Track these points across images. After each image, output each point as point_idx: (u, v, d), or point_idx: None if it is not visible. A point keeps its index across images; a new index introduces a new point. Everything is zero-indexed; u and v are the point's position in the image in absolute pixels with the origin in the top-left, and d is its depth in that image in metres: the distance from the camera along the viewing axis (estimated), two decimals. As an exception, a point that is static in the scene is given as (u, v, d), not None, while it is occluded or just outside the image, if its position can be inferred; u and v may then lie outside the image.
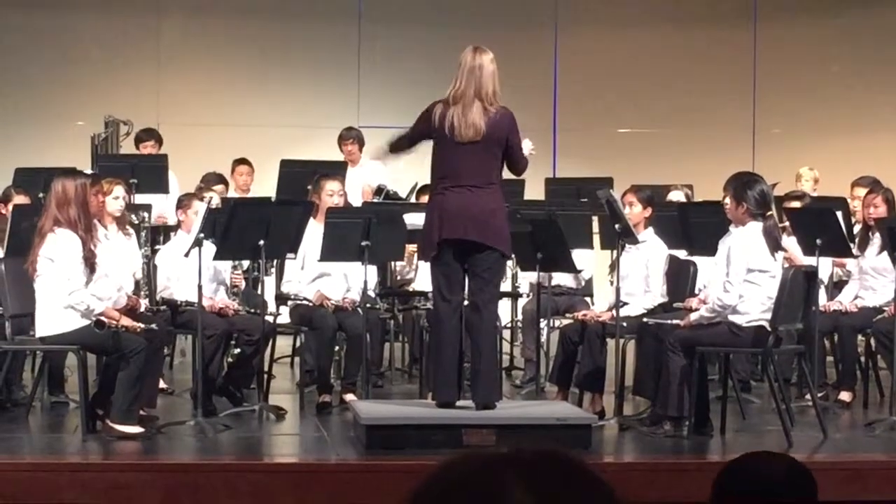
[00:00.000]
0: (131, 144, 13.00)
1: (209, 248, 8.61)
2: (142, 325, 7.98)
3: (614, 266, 9.02)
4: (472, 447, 7.10)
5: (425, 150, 7.98)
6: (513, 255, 9.57)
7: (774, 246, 7.98)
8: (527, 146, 7.88)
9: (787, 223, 9.62)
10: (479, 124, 7.55)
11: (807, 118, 15.69)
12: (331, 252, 9.07)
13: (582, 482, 1.55)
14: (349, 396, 9.05)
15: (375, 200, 11.41)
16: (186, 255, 8.52)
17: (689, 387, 7.94)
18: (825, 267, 9.75)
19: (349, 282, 9.51)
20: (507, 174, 7.94)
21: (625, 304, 8.78)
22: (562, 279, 10.21)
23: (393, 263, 10.73)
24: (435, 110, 7.67)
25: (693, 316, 8.12)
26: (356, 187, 11.88)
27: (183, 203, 9.56)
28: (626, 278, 8.83)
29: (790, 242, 9.36)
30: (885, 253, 9.14)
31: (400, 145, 8.01)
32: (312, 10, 15.67)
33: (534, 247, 9.17)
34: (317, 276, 9.48)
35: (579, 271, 10.02)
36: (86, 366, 7.99)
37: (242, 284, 9.96)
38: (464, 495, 1.52)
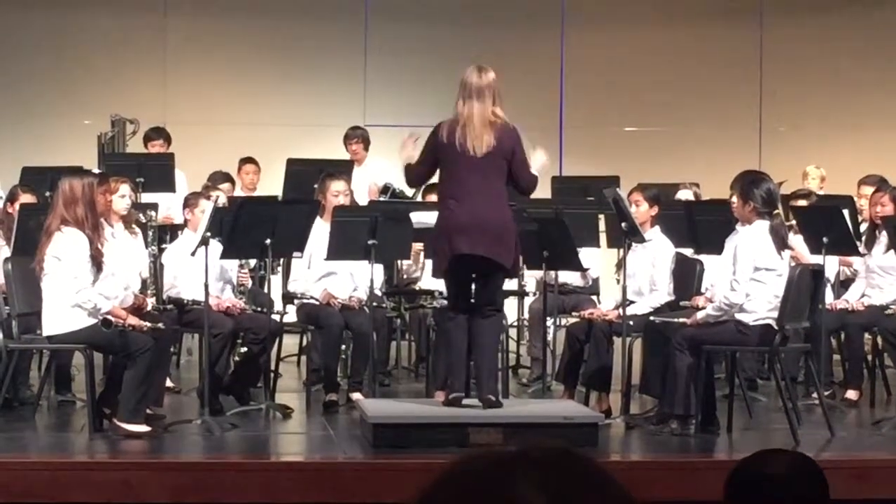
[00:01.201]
0: (138, 143, 13.02)
1: (216, 246, 8.61)
2: (148, 324, 7.99)
3: (621, 265, 9.02)
4: (478, 446, 7.10)
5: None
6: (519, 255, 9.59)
7: (781, 244, 7.98)
8: (540, 158, 7.94)
9: (793, 222, 9.62)
10: (490, 140, 7.63)
11: (813, 116, 15.68)
12: (337, 251, 9.07)
13: (593, 481, 1.55)
14: (356, 395, 9.05)
15: (382, 199, 11.41)
16: (193, 253, 8.52)
17: (696, 385, 7.94)
18: (832, 265, 9.75)
19: (356, 280, 9.51)
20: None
21: (631, 302, 8.78)
22: (568, 278, 10.21)
23: (399, 262, 10.73)
24: (441, 130, 7.73)
25: (700, 314, 8.12)
26: (362, 186, 11.89)
27: (189, 202, 9.57)
28: (632, 277, 8.83)
29: (797, 241, 9.35)
30: (891, 251, 9.14)
31: (414, 178, 8.10)
32: (318, 8, 15.67)
33: (540, 245, 9.17)
34: (323, 274, 9.47)
35: (586, 270, 10.01)
36: (93, 365, 8.00)
37: (249, 283, 9.96)
38: (474, 494, 1.52)
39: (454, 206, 7.70)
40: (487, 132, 7.64)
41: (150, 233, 9.55)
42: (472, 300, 7.84)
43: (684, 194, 10.70)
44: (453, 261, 7.73)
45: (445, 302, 8.33)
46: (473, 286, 7.83)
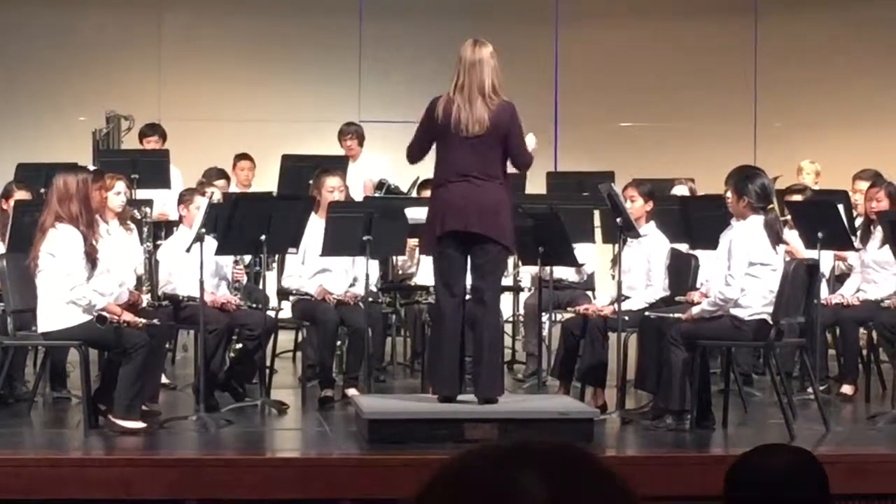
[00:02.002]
0: (133, 139, 13.00)
1: (211, 243, 8.61)
2: (143, 321, 7.99)
3: (616, 260, 9.02)
4: (474, 441, 7.10)
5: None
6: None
7: (776, 239, 7.98)
8: (531, 141, 7.88)
9: (788, 216, 9.62)
10: (484, 118, 7.55)
11: (808, 111, 15.68)
12: (332, 247, 9.07)
13: (595, 475, 1.55)
14: (351, 391, 9.05)
15: (377, 195, 11.41)
16: (188, 250, 8.52)
17: (691, 380, 7.94)
18: (826, 260, 9.75)
19: (351, 276, 9.51)
20: (511, 168, 7.94)
21: (626, 297, 8.78)
22: (563, 273, 10.21)
23: (394, 258, 10.73)
24: (437, 106, 7.66)
25: (695, 309, 8.12)
26: (357, 182, 11.88)
27: (184, 198, 9.57)
28: (627, 272, 8.82)
29: (792, 236, 9.36)
30: (886, 246, 9.13)
31: (413, 154, 7.98)
32: (313, 4, 15.67)
33: (535, 241, 9.17)
34: (318, 270, 9.48)
35: (581, 265, 10.02)
36: (88, 361, 7.99)
37: (244, 279, 9.96)
38: (475, 488, 1.52)
39: (447, 184, 7.64)
40: (482, 110, 7.57)
41: (146, 229, 9.55)
42: (468, 294, 7.81)
43: (680, 190, 10.69)
44: (446, 240, 7.66)
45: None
46: (470, 277, 7.78)
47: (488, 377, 7.81)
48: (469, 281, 7.81)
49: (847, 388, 9.51)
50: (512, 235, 7.77)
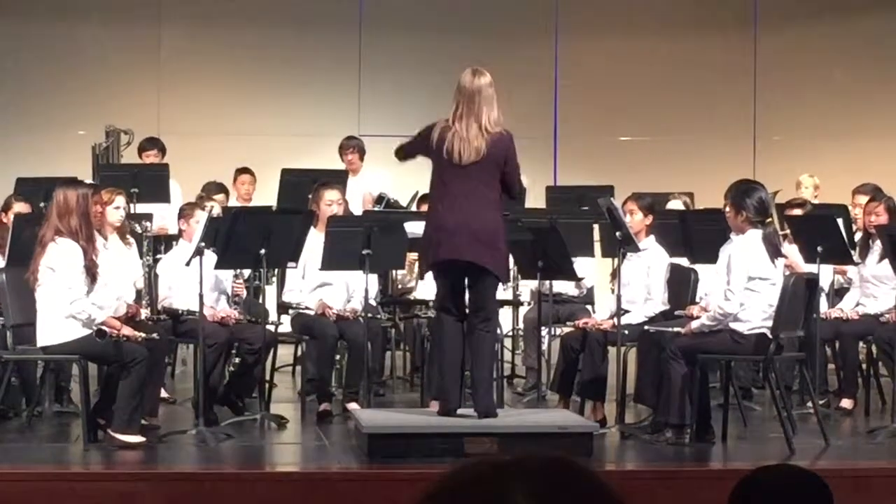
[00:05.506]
0: (132, 154, 13.01)
1: (210, 257, 8.61)
2: (143, 335, 7.99)
3: (615, 274, 9.02)
4: (473, 456, 7.10)
5: (425, 159, 7.99)
6: (513, 264, 9.59)
7: (774, 253, 7.99)
8: (524, 180, 7.97)
9: (787, 231, 9.62)
10: (480, 146, 7.60)
11: (807, 125, 15.69)
12: (332, 261, 9.07)
13: (590, 490, 1.55)
14: (351, 405, 9.04)
15: (376, 209, 11.41)
16: (187, 264, 8.52)
17: (691, 394, 7.94)
18: (826, 274, 9.75)
19: (350, 291, 9.51)
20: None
21: (626, 311, 8.78)
22: (563, 287, 10.21)
23: (394, 272, 10.73)
24: (434, 131, 7.71)
25: (694, 324, 8.12)
26: (357, 196, 11.88)
27: (184, 212, 9.57)
28: (627, 286, 8.82)
29: (791, 250, 9.36)
30: (885, 260, 9.14)
31: (400, 154, 8.09)
32: (313, 18, 15.68)
33: (535, 255, 9.18)
34: (318, 285, 9.47)
35: (580, 279, 10.01)
36: (87, 375, 7.99)
37: (243, 293, 9.95)
38: (471, 500, 1.52)
39: (442, 211, 7.69)
40: (478, 141, 7.61)
41: (145, 243, 9.55)
42: (467, 308, 7.84)
43: (675, 205, 10.67)
44: (441, 266, 7.72)
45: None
46: (468, 293, 7.82)
47: (487, 391, 7.83)
48: (467, 296, 7.83)
49: (846, 403, 9.51)
50: (506, 266, 7.88)
